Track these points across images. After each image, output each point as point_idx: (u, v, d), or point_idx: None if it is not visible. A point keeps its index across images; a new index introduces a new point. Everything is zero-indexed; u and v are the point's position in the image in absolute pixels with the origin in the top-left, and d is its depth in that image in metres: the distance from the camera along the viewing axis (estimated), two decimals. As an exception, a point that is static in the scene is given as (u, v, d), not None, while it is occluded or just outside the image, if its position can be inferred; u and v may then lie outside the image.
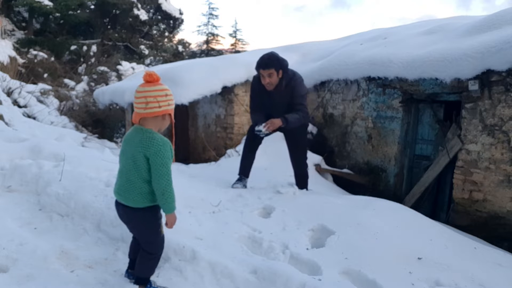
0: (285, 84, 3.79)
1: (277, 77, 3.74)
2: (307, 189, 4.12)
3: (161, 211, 2.14)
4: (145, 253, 2.18)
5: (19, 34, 16.76)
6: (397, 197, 5.29)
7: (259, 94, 3.95)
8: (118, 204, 2.17)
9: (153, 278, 2.31)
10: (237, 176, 4.08)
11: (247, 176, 4.10)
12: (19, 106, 9.07)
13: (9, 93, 9.11)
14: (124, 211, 2.14)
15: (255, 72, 3.88)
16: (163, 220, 2.17)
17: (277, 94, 3.83)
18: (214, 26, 26.63)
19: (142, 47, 20.65)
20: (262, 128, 3.59)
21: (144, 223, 2.12)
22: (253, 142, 4.09)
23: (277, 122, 3.61)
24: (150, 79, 2.03)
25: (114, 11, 19.09)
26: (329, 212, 3.22)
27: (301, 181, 4.12)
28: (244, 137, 6.65)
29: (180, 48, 24.13)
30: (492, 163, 4.26)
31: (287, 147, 4.14)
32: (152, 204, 2.08)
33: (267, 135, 3.82)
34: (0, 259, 2.35)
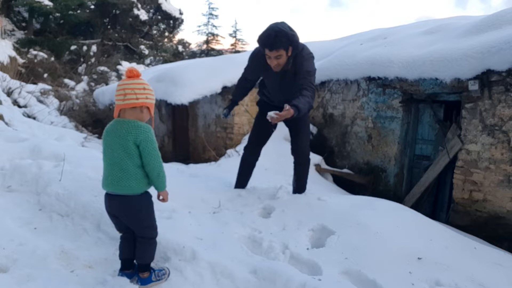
0: (291, 62, 3.15)
1: (286, 56, 3.09)
2: (304, 190, 3.79)
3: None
4: (145, 240, 2.26)
5: (19, 34, 16.77)
6: (397, 197, 5.29)
7: (258, 70, 3.39)
8: (110, 198, 2.21)
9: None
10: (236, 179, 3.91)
11: (244, 187, 3.87)
12: (19, 106, 9.07)
13: (9, 93, 9.11)
14: (119, 202, 2.18)
15: None
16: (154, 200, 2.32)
17: (282, 73, 3.23)
18: (214, 26, 26.66)
19: (142, 47, 20.66)
20: (273, 114, 2.83)
21: (142, 208, 2.22)
22: (248, 160, 3.78)
23: (289, 114, 2.81)
24: (131, 75, 2.13)
25: (114, 11, 19.09)
26: (329, 212, 3.21)
27: (302, 176, 3.68)
28: (245, 137, 6.66)
29: (180, 48, 24.15)
30: (492, 163, 4.26)
31: (289, 133, 3.63)
32: (147, 189, 2.22)
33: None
34: (0, 259, 2.35)
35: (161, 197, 2.28)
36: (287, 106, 2.82)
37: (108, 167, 2.18)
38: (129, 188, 2.13)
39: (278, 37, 2.97)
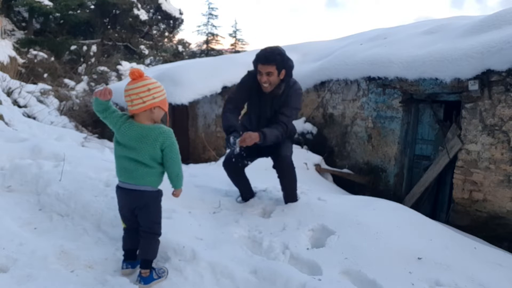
0: (282, 91, 3.12)
1: (277, 77, 3.04)
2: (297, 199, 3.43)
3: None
4: (152, 235, 2.32)
5: (19, 34, 16.77)
6: (397, 197, 5.29)
7: (247, 92, 3.24)
8: (127, 192, 2.26)
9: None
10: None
11: (250, 196, 3.53)
12: (19, 106, 9.07)
13: (9, 93, 9.10)
14: (136, 196, 2.25)
15: None
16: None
17: (270, 99, 3.17)
18: (214, 26, 26.67)
19: (142, 47, 20.67)
20: (236, 143, 2.83)
21: (157, 204, 2.33)
22: (234, 173, 3.40)
23: (254, 136, 2.83)
24: (134, 77, 2.14)
25: (114, 11, 19.11)
26: (329, 212, 3.21)
27: (290, 188, 3.39)
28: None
29: (180, 48, 24.15)
30: (492, 163, 4.26)
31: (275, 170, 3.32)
32: (160, 187, 2.34)
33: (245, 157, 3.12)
34: (0, 259, 2.35)
35: (174, 193, 2.39)
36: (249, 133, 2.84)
37: (132, 163, 2.22)
38: (151, 182, 2.25)
39: (273, 53, 3.03)
